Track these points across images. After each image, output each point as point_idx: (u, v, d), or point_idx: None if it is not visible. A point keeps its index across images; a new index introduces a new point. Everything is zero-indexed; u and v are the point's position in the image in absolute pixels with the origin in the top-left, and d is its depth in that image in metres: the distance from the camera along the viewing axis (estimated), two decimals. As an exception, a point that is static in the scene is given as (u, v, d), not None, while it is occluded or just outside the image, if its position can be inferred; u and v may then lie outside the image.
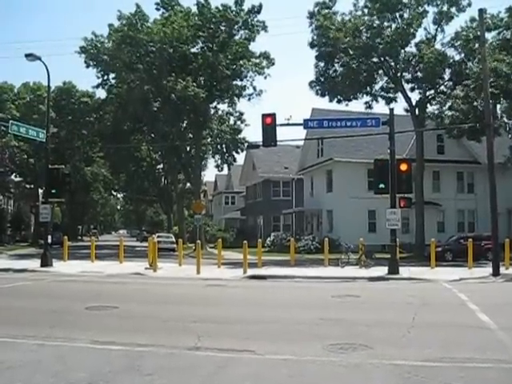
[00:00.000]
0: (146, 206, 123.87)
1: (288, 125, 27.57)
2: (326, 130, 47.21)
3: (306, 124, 28.00)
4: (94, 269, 28.44)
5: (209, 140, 61.42)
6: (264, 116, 27.59)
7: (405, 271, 26.32)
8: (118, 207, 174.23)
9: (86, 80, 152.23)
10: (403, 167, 26.40)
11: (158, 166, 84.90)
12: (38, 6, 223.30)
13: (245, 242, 27.92)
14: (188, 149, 59.79)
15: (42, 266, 28.76)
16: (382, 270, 26.15)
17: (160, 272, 27.31)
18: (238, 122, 59.39)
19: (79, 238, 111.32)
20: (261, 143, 28.87)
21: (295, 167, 62.47)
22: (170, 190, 76.79)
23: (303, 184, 60.60)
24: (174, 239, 54.55)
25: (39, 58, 30.69)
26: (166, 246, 50.04)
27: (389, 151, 27.13)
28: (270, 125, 27.22)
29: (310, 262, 35.22)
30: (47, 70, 31.58)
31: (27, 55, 30.31)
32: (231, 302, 16.19)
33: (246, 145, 56.11)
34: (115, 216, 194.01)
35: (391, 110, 29.17)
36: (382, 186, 26.39)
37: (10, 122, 30.70)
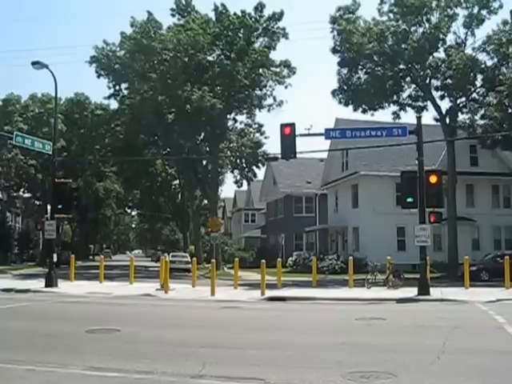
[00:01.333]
0: (162, 225, 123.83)
1: (308, 135, 27.13)
2: (350, 142, 47.24)
3: (327, 134, 27.43)
4: (102, 290, 28.05)
5: (227, 153, 61.11)
6: (282, 126, 27.14)
7: (436, 292, 25.58)
8: (133, 225, 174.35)
9: (99, 91, 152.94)
10: (433, 179, 25.73)
11: (174, 182, 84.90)
12: (47, 15, 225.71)
13: (263, 261, 27.36)
14: (204, 163, 59.53)
15: (46, 286, 28.46)
16: (412, 291, 25.44)
17: (171, 293, 26.86)
18: (258, 135, 59.03)
19: (91, 257, 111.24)
20: (280, 155, 28.42)
21: (318, 182, 61.91)
22: (186, 207, 76.54)
23: (327, 200, 59.99)
24: (189, 259, 54.15)
25: (46, 66, 30.59)
26: (180, 266, 49.75)
27: (417, 162, 26.57)
28: (288, 135, 26.76)
29: (334, 283, 34.61)
30: (54, 78, 31.42)
31: (34, 63, 30.22)
32: (244, 326, 15.65)
33: (267, 161, 55.54)
34: (130, 235, 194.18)
35: (418, 117, 28.63)
36: (410, 200, 25.78)
37: (15, 133, 30.56)
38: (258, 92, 54.91)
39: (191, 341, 12.73)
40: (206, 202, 71.50)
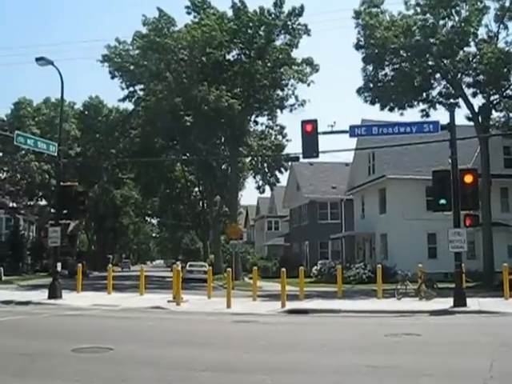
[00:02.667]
0: (183, 233, 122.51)
1: (332, 133, 25.55)
2: (377, 141, 45.57)
3: (352, 131, 25.71)
4: (109, 302, 26.58)
5: (248, 158, 59.62)
6: (304, 123, 25.73)
7: (473, 303, 23.74)
8: (154, 235, 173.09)
9: (113, 93, 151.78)
10: (468, 179, 23.99)
11: (194, 190, 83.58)
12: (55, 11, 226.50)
13: (283, 269, 25.78)
14: (224, 167, 57.99)
15: (49, 297, 27.07)
16: (446, 302, 23.67)
17: (184, 306, 25.34)
18: (279, 137, 57.23)
19: (109, 267, 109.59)
20: (301, 155, 26.84)
21: (344, 186, 60.09)
22: (206, 214, 75.03)
23: (353, 205, 58.12)
24: (208, 268, 52.61)
25: (51, 63, 29.36)
26: (198, 277, 48.28)
27: (450, 161, 24.85)
28: (310, 133, 25.27)
29: (361, 294, 32.86)
30: (60, 75, 30.04)
31: (38, 59, 28.94)
32: (257, 345, 13.92)
33: (288, 161, 53.93)
34: (150, 244, 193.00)
35: (451, 111, 27.08)
36: (442, 201, 24.08)
37: (16, 132, 28.89)
38: (279, 93, 53.37)
39: (194, 362, 11.19)
40: (226, 208, 69.87)
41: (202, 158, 52.68)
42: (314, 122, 25.43)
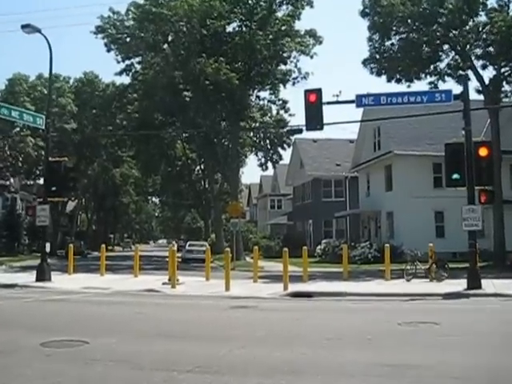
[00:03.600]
0: (185, 212, 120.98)
1: (337, 103, 23.85)
2: (385, 114, 43.75)
3: (359, 101, 23.89)
4: (100, 284, 24.95)
5: (250, 134, 57.84)
6: (307, 93, 24.04)
7: (488, 285, 22.08)
8: (156, 214, 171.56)
9: (110, 68, 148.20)
10: (483, 152, 22.23)
11: (196, 169, 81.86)
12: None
13: (285, 249, 23.99)
14: (225, 143, 56.04)
15: (37, 280, 25.41)
16: (459, 284, 22.06)
17: (179, 288, 23.67)
18: (282, 112, 55.20)
19: (110, 247, 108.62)
20: (304, 127, 25.11)
21: (348, 164, 58.18)
22: (207, 193, 73.29)
23: (358, 183, 56.32)
24: (208, 248, 50.94)
25: (39, 31, 27.47)
26: (198, 257, 46.59)
27: (463, 133, 23.11)
28: (314, 103, 23.54)
29: (367, 274, 31.23)
30: (49, 43, 28.02)
31: (24, 26, 27.04)
32: (254, 336, 12.18)
33: (291, 134, 52.05)
34: (152, 224, 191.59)
35: (465, 81, 25.33)
36: (456, 176, 22.29)
37: (-1, 104, 27.15)
38: (282, 67, 51.38)
39: (179, 360, 9.57)
40: (227, 186, 68.15)
41: (201, 133, 50.88)
42: (318, 92, 23.72)
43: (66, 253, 51.79)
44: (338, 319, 15.08)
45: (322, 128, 24.16)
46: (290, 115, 55.16)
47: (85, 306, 17.78)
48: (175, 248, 26.44)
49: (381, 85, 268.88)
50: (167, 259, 56.53)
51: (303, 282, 25.68)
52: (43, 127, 27.74)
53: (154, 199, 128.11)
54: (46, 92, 61.66)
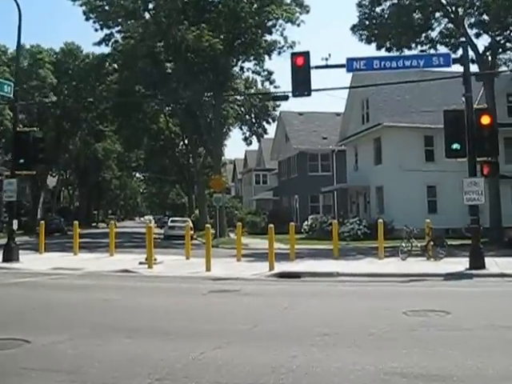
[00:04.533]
0: (170, 188, 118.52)
1: (326, 67, 21.82)
2: (373, 91, 41.99)
3: (349, 65, 21.69)
4: (72, 264, 22.90)
5: (234, 106, 55.63)
6: (294, 56, 22.13)
7: (491, 264, 20.16)
8: (141, 190, 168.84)
9: (90, 39, 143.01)
10: (485, 120, 20.39)
11: (179, 143, 79.53)
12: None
13: (271, 226, 21.98)
14: (208, 115, 53.56)
15: (3, 260, 23.33)
16: (459, 263, 20.29)
17: (157, 268, 21.70)
18: (267, 84, 52.79)
19: (94, 224, 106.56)
20: (290, 94, 23.01)
21: (335, 137, 56.10)
22: (190, 167, 70.97)
23: (345, 156, 54.17)
24: (191, 225, 48.86)
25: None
26: (180, 233, 44.32)
27: (463, 99, 21.20)
28: (301, 67, 21.62)
29: (358, 252, 29.33)
30: (18, 7, 25.68)
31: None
32: (234, 330, 10.13)
33: (276, 100, 49.79)
34: (138, 200, 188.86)
35: (464, 44, 23.36)
36: (456, 146, 20.44)
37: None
38: (267, 38, 48.91)
39: (136, 365, 7.56)
40: (210, 160, 66.04)
41: (183, 105, 48.60)
42: (306, 55, 21.76)
43: (47, 230, 50.01)
44: (331, 306, 13.07)
45: (309, 94, 22.09)
46: (276, 87, 52.53)
47: (45, 292, 15.68)
48: (152, 225, 24.24)
49: (370, 53, 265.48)
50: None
51: (290, 260, 23.78)
52: (11, 95, 25.52)
53: (138, 175, 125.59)
54: (26, 63, 59.60)
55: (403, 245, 23.98)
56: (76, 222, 28.61)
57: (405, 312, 11.20)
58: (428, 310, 11.49)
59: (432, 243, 23.43)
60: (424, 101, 43.88)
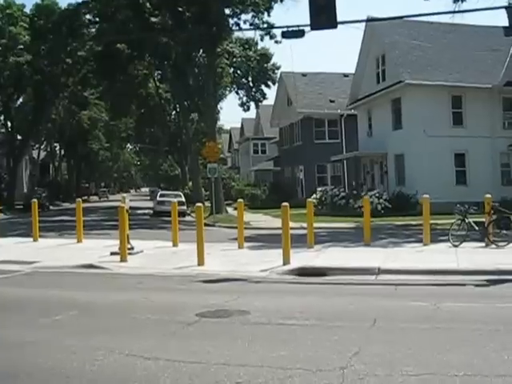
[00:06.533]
0: (164, 159, 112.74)
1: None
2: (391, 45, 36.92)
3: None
4: (24, 255, 17.66)
5: (230, 70, 50.11)
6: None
7: None
8: (135, 162, 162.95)
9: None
10: None
11: (171, 112, 73.88)
12: None
13: (285, 204, 16.23)
14: (200, 71, 47.51)
15: None
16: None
17: (132, 262, 16.36)
18: (267, 40, 46.13)
19: (85, 198, 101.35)
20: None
21: (343, 100, 50.34)
22: (182, 135, 65.32)
23: (356, 121, 48.36)
24: (183, 199, 43.30)
25: None
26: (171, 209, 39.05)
27: None
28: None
29: (386, 233, 23.75)
30: None
31: None
32: None
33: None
34: (132, 172, 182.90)
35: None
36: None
37: None
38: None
39: None
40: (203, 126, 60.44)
41: (171, 62, 42.61)
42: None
43: (25, 206, 44.90)
44: (391, 337, 7.50)
45: (335, 25, 16.55)
46: (277, 42, 45.83)
47: None
48: (127, 204, 18.48)
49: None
50: (138, 211, 49.99)
51: (307, 247, 18.28)
52: None
53: (128, 146, 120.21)
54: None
55: (455, 227, 18.35)
56: (35, 200, 22.82)
57: None
58: None
59: (492, 225, 17.86)
60: (450, 56, 38.40)
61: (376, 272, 13.81)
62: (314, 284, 12.95)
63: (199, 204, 17.63)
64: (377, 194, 35.44)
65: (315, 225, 20.21)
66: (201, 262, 15.42)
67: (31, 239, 22.15)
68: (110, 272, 15.05)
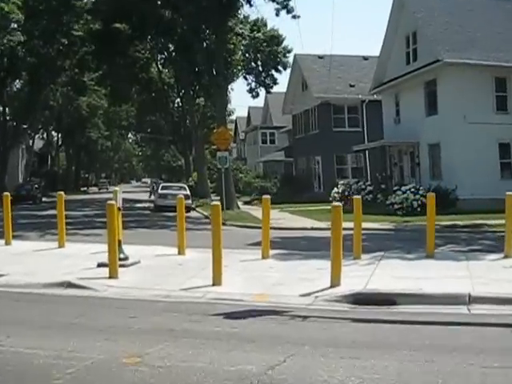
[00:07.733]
0: (166, 149, 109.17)
1: None
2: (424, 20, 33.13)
3: None
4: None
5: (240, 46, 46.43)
6: None
7: None
8: (136, 152, 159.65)
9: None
10: None
11: (176, 101, 70.30)
12: None
13: (337, 204, 12.32)
14: (210, 45, 43.19)
15: None
16: None
17: (124, 278, 12.35)
18: (283, 15, 41.13)
19: (84, 189, 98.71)
20: None
21: (365, 85, 46.22)
22: (187, 121, 61.25)
23: (380, 108, 43.99)
24: (188, 192, 39.08)
25: None
26: (175, 204, 35.03)
27: None
28: None
29: (442, 238, 19.42)
30: None
31: None
32: None
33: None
34: (133, 162, 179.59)
35: None
36: None
37: None
38: None
39: None
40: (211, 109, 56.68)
41: (176, 36, 38.51)
42: None
43: (15, 197, 41.32)
44: None
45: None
46: (294, 17, 41.22)
47: None
48: (119, 200, 14.11)
49: None
50: (137, 205, 46.25)
51: (354, 259, 14.20)
52: None
53: (131, 136, 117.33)
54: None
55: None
56: (7, 194, 18.53)
57: None
58: None
59: None
60: (491, 33, 34.26)
61: (466, 301, 9.80)
62: (389, 323, 8.80)
63: (216, 202, 13.53)
64: (412, 189, 31.05)
65: (344, 225, 15.96)
66: (217, 282, 11.46)
67: (3, 241, 17.99)
68: (93, 295, 11.06)
